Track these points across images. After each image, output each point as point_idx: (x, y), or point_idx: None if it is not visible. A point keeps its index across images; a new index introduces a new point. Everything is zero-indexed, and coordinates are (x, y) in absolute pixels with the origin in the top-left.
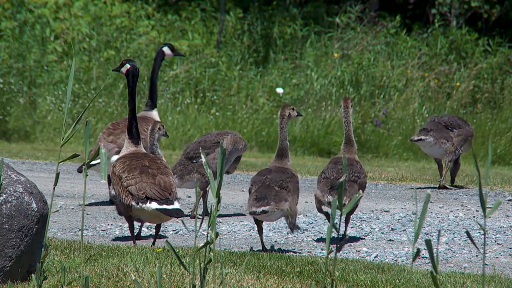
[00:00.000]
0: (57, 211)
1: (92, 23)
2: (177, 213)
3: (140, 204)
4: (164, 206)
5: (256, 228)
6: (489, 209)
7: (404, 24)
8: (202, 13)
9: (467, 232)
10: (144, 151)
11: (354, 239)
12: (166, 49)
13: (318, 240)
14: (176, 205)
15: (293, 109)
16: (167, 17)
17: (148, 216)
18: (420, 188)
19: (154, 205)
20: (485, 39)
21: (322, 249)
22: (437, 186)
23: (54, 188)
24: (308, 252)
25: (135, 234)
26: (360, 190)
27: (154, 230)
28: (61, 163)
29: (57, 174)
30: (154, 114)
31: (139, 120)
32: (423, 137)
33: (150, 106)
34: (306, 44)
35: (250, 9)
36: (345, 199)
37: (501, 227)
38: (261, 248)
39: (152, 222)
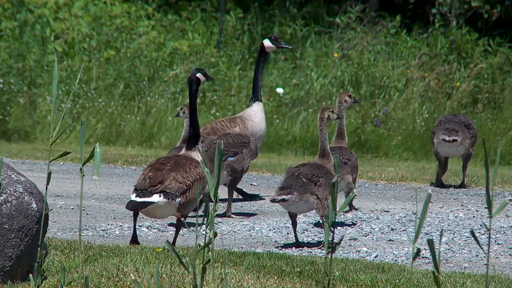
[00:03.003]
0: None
1: (92, 23)
2: (129, 205)
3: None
4: (134, 198)
5: (291, 223)
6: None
7: (404, 24)
8: (202, 13)
9: (472, 232)
10: (194, 156)
11: (354, 239)
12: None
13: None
14: (152, 198)
15: (332, 111)
16: (167, 17)
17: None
18: (420, 188)
19: (132, 196)
20: (485, 39)
21: (321, 248)
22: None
23: (46, 188)
24: (308, 252)
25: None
26: (354, 190)
27: (154, 231)
28: (62, 164)
29: (49, 173)
30: (250, 110)
31: (228, 120)
32: (455, 138)
33: (251, 99)
34: (306, 44)
35: (250, 9)
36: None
37: (501, 227)
38: (294, 241)
39: (147, 216)
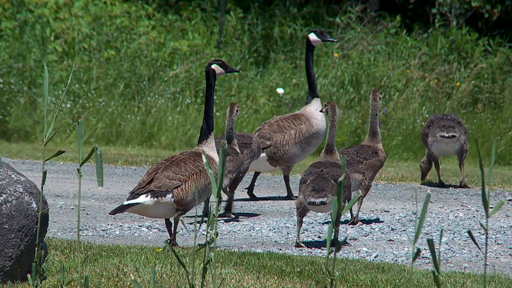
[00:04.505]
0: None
1: (92, 23)
2: (113, 209)
3: None
4: (123, 202)
5: (297, 222)
6: (491, 209)
7: (404, 24)
8: (203, 13)
9: (469, 232)
10: (201, 150)
11: (354, 239)
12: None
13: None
14: (139, 199)
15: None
16: (168, 17)
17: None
18: (420, 188)
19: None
20: (485, 39)
21: (323, 248)
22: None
23: (42, 187)
24: (308, 252)
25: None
26: (360, 190)
27: (154, 231)
28: (62, 163)
29: (44, 173)
30: (311, 108)
31: (293, 117)
32: (454, 134)
33: (309, 96)
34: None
35: (250, 9)
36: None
37: (501, 227)
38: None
39: (149, 217)
